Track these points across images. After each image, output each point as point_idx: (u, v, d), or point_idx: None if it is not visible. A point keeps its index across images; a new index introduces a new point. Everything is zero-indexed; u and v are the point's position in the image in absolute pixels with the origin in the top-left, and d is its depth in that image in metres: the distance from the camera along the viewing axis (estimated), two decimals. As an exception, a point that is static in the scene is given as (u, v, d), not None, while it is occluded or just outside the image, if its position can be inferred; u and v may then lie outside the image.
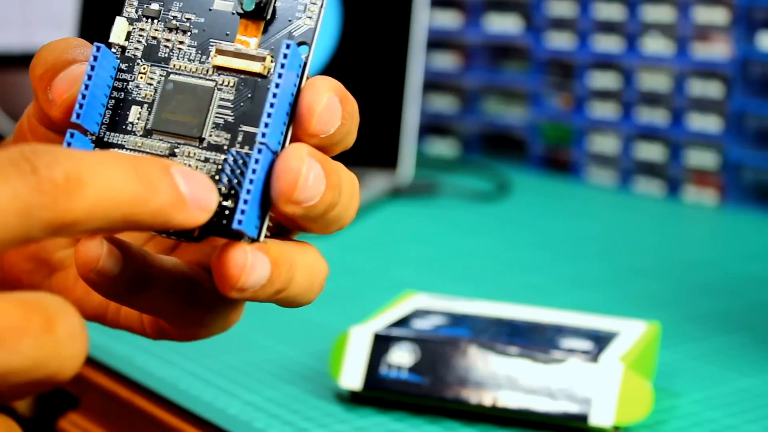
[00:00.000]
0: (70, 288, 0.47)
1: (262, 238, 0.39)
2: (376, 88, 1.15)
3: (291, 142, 0.40)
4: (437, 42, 1.35)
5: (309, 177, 0.39)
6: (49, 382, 0.32)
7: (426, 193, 1.13)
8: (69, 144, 0.39)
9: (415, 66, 1.14)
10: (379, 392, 0.59)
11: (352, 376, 0.60)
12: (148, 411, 0.64)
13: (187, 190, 0.36)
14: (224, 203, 0.39)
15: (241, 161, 0.40)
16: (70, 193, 0.33)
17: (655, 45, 1.16)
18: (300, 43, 0.40)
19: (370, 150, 1.13)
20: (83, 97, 0.39)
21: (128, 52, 0.41)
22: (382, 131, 1.14)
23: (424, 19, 1.16)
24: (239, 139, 0.40)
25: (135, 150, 0.40)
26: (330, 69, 1.17)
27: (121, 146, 0.40)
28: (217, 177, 0.40)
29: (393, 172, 1.13)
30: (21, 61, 1.33)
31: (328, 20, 1.18)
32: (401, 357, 0.60)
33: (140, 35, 0.41)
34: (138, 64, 0.41)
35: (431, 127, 1.37)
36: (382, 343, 0.60)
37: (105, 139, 0.41)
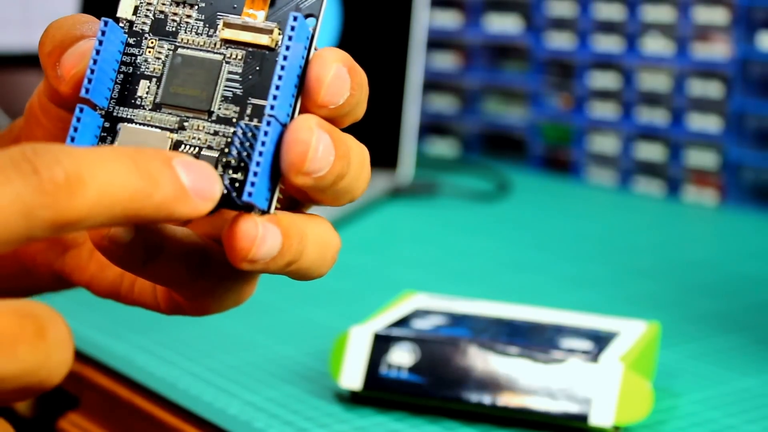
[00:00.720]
0: (84, 265, 0.47)
1: (272, 210, 0.39)
2: (376, 88, 1.14)
3: (300, 113, 0.40)
4: (437, 42, 1.35)
5: (318, 148, 0.39)
6: (37, 388, 0.32)
7: (426, 193, 1.13)
8: (78, 119, 0.39)
9: (415, 66, 1.14)
10: (379, 392, 0.59)
11: (352, 376, 0.60)
12: (148, 411, 0.64)
13: (189, 182, 0.36)
14: (234, 176, 0.39)
15: (250, 134, 0.40)
16: (72, 192, 0.33)
17: (655, 45, 1.16)
18: (307, 15, 0.40)
19: (370, 150, 1.12)
20: (92, 72, 0.39)
21: (136, 26, 0.41)
22: (382, 131, 1.14)
23: (424, 19, 1.16)
24: (248, 111, 0.40)
25: (144, 124, 0.40)
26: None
27: (130, 120, 0.40)
28: (226, 150, 0.40)
29: (393, 172, 1.13)
30: (21, 61, 1.33)
31: (329, 20, 1.18)
32: (401, 357, 0.60)
33: (148, 9, 0.41)
34: (146, 38, 0.41)
35: (431, 127, 1.37)
36: (382, 343, 0.60)
37: (114, 114, 0.41)
